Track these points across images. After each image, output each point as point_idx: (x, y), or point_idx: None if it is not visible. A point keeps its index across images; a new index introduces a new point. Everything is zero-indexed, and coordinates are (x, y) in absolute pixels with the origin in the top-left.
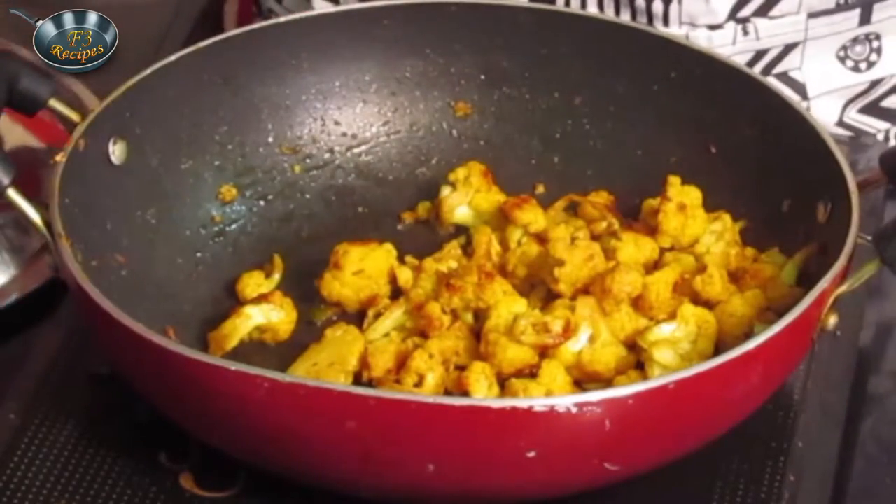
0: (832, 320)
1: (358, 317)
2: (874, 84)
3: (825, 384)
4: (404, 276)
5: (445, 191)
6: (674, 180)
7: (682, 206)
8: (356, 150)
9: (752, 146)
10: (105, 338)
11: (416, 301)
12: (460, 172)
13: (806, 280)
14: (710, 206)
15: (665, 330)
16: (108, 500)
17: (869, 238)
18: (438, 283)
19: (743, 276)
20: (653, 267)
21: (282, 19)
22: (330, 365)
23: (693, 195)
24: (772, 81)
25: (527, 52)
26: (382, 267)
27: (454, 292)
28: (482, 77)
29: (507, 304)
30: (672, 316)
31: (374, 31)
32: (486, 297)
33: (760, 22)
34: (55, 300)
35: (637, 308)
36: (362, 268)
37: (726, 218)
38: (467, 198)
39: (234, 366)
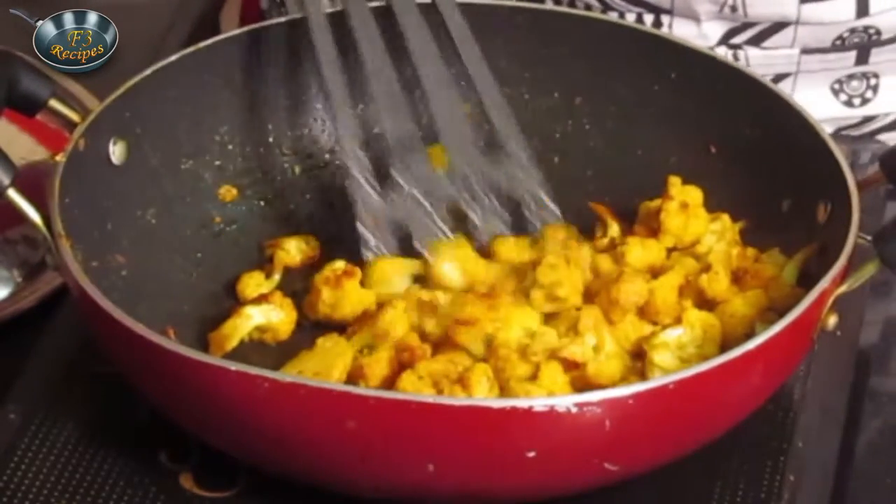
0: (832, 320)
1: None
2: (867, 120)
3: (825, 384)
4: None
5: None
6: (674, 180)
7: (685, 204)
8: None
9: (752, 146)
10: (105, 338)
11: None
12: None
13: (807, 280)
14: (710, 206)
15: (671, 335)
16: (108, 500)
17: (869, 238)
18: (420, 309)
19: (744, 277)
20: (658, 270)
21: (281, 19)
22: (314, 375)
23: (694, 195)
24: (772, 82)
25: (527, 52)
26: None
27: (471, 326)
28: None
29: (518, 319)
30: (677, 321)
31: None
32: (503, 318)
33: (752, 50)
34: (56, 302)
35: (643, 314)
36: (335, 302)
37: (725, 218)
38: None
39: (234, 366)
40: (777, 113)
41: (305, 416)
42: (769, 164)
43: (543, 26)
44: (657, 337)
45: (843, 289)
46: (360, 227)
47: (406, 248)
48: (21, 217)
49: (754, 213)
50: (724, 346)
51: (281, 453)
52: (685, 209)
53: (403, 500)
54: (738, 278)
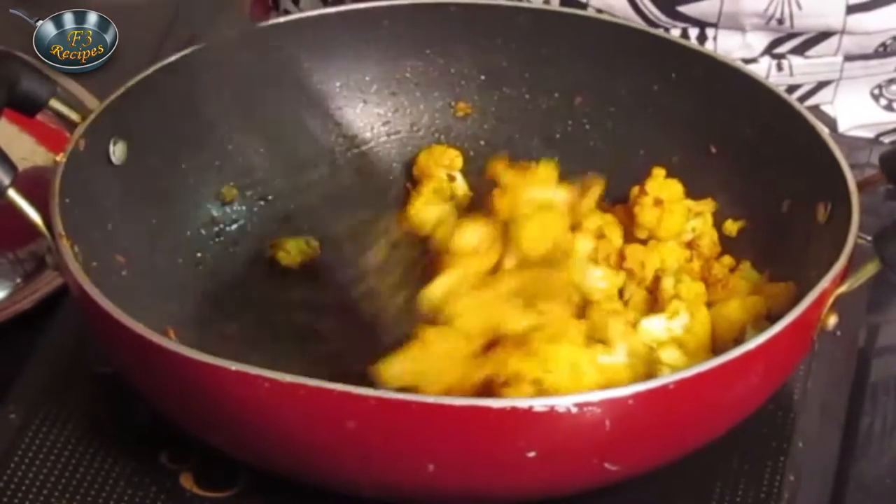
0: (832, 320)
1: None
2: None
3: (825, 384)
4: None
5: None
6: (657, 172)
7: (659, 201)
8: (356, 150)
9: (752, 146)
10: (105, 338)
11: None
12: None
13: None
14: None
15: (657, 324)
16: (109, 500)
17: (869, 238)
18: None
19: (715, 285)
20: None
21: (280, 20)
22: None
23: (674, 189)
24: (771, 82)
25: (527, 52)
26: None
27: (516, 385)
28: (482, 77)
29: (565, 356)
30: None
31: (375, 31)
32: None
33: (796, 59)
34: (56, 302)
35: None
36: None
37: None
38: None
39: (234, 366)
40: (777, 113)
41: (305, 416)
42: (769, 164)
43: (543, 26)
44: (647, 328)
45: (843, 289)
46: None
47: None
48: (31, 233)
49: (754, 213)
50: (714, 350)
51: (281, 453)
52: (659, 205)
53: (404, 500)
54: (709, 285)
